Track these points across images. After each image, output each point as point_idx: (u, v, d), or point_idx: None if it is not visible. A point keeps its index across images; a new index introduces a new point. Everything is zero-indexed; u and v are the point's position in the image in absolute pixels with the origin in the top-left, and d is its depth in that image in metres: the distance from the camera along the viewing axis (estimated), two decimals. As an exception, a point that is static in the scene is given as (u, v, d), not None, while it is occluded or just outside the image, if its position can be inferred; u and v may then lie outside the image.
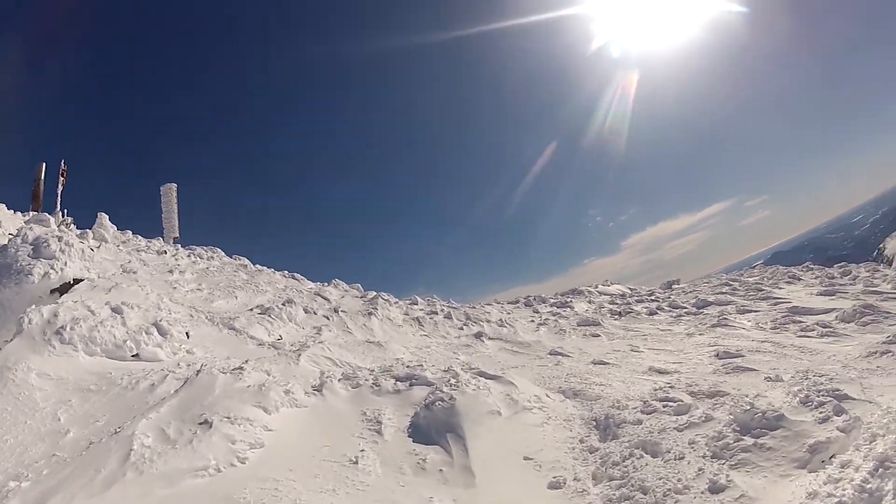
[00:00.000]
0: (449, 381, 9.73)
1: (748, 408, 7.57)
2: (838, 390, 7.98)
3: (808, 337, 14.16)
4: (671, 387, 10.03)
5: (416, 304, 20.47)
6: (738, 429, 7.33)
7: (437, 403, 8.78)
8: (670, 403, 8.74)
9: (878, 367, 10.50)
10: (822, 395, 7.69)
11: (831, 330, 14.36)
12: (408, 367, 11.08)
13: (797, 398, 7.77)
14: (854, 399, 7.73)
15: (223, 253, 25.76)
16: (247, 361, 10.15)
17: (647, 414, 8.61)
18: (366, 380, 10.31)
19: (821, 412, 7.19)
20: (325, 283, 23.33)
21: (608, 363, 12.79)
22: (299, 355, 12.08)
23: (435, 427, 8.41)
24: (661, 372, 11.82)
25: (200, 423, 7.48)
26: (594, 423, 8.76)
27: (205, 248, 25.92)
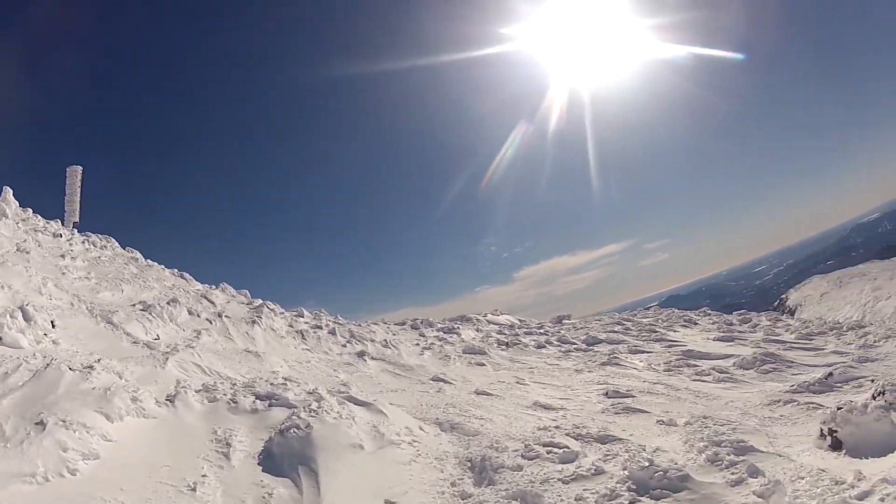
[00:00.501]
0: (311, 404, 10.01)
1: (646, 464, 7.70)
2: (743, 441, 8.48)
3: (703, 381, 15.68)
4: (556, 426, 10.55)
5: (302, 317, 22.73)
6: (635, 487, 7.44)
7: (292, 430, 9.10)
8: (555, 449, 9.16)
9: (780, 415, 11.77)
10: (726, 447, 8.18)
11: (728, 376, 16.03)
12: (272, 384, 11.53)
13: (703, 455, 8.14)
14: (762, 451, 8.21)
15: (117, 243, 28.83)
16: (98, 360, 10.56)
17: (529, 459, 9.00)
18: (224, 394, 10.83)
19: (732, 472, 7.44)
20: (213, 286, 25.97)
21: (491, 394, 13.90)
22: (167, 359, 12.91)
23: (288, 457, 8.65)
24: (546, 407, 12.59)
25: (36, 424, 7.82)
26: (469, 463, 9.19)
27: (100, 236, 28.89)
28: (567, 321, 30.03)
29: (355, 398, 11.12)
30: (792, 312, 52.76)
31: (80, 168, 35.47)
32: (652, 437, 10.21)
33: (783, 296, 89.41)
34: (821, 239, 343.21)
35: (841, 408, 8.81)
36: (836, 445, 8.63)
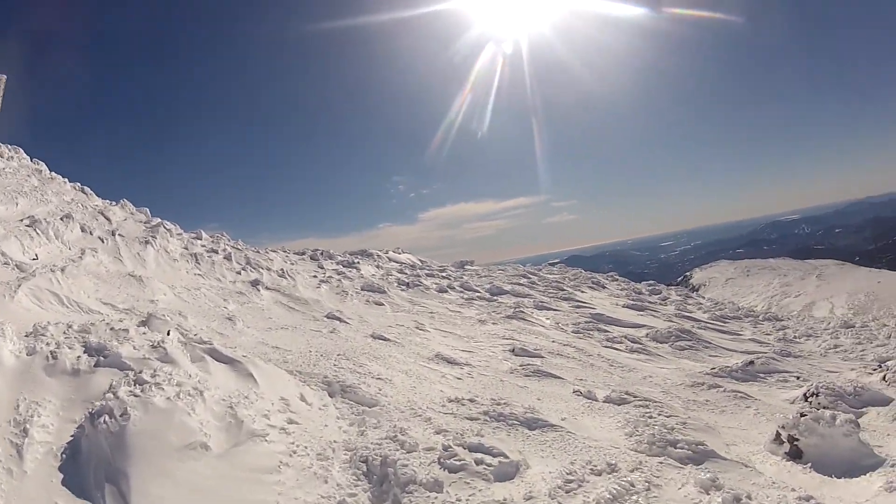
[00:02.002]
0: (148, 366, 7.98)
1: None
2: (702, 445, 8.03)
3: (616, 349, 15.90)
4: (471, 399, 9.42)
5: (200, 240, 22.88)
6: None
7: (104, 419, 6.74)
8: (487, 457, 7.32)
9: (706, 400, 11.76)
10: (682, 448, 7.90)
11: (642, 347, 16.35)
12: (112, 329, 9.54)
13: (660, 461, 7.70)
14: (724, 458, 7.87)
15: (24, 153, 28.24)
16: None
17: (451, 471, 7.12)
18: (48, 343, 8.71)
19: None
20: (114, 202, 25.67)
21: (389, 339, 13.50)
22: (19, 286, 11.45)
23: (95, 464, 6.41)
24: (450, 361, 12.14)
25: None
26: (365, 466, 7.05)
27: (8, 147, 28.19)
28: (470, 267, 30.92)
29: (219, 352, 9.10)
30: (695, 290, 55.45)
31: (3, 77, 33.52)
32: (585, 422, 9.47)
33: (688, 273, 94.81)
34: (733, 227, 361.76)
35: (805, 415, 8.73)
36: (796, 455, 8.44)
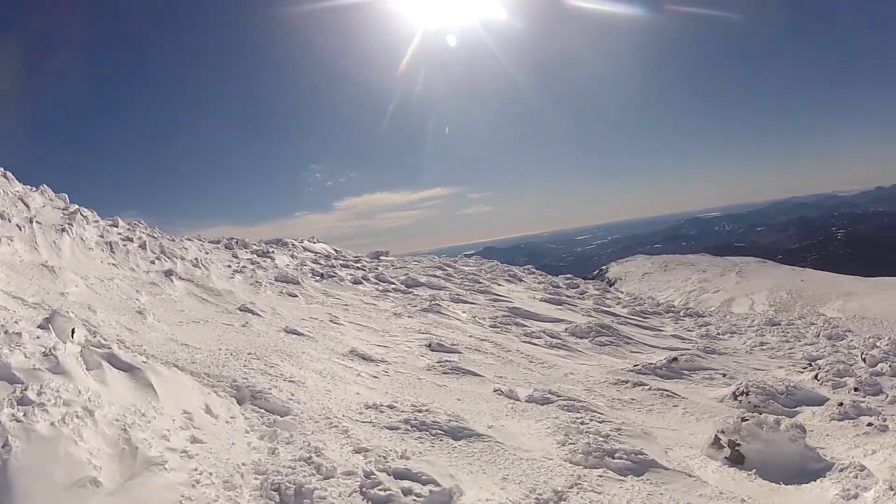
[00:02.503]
0: (39, 381, 6.64)
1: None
2: (642, 454, 7.72)
3: (535, 344, 15.84)
4: (390, 405, 8.68)
5: (116, 227, 21.95)
6: None
7: None
8: (416, 487, 6.58)
9: (631, 399, 11.66)
10: (622, 459, 7.58)
11: (561, 342, 16.34)
12: (5, 331, 7.84)
13: (599, 474, 7.30)
14: (665, 468, 7.63)
15: None
16: None
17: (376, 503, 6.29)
18: None
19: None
20: (34, 188, 24.11)
21: (303, 334, 13.13)
22: None
23: None
24: (365, 358, 11.79)
25: None
26: (277, 496, 6.25)
27: None
28: (385, 258, 30.75)
29: (118, 357, 7.95)
30: (611, 284, 56.40)
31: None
32: (512, 428, 8.85)
33: (604, 267, 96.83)
34: (652, 223, 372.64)
35: (746, 419, 8.49)
36: (738, 460, 8.22)
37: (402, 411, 8.48)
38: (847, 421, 10.74)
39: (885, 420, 10.39)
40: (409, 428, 7.98)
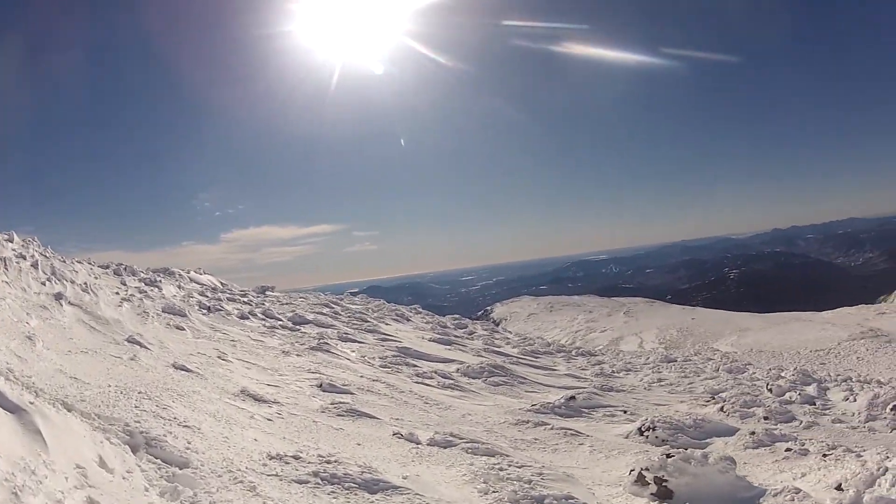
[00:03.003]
0: None
1: None
2: (571, 497, 7.58)
3: (427, 385, 15.71)
4: (295, 456, 8.00)
5: (11, 242, 20.80)
6: None
7: None
8: None
9: (534, 439, 11.57)
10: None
11: (454, 382, 16.27)
12: None
13: None
14: None
15: None
16: None
17: None
18: None
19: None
20: None
21: (192, 371, 12.57)
22: None
23: None
24: (257, 399, 11.34)
25: None
26: None
27: None
28: (271, 293, 30.73)
29: (4, 396, 6.64)
30: (497, 324, 56.95)
31: None
32: (427, 477, 8.38)
33: (489, 307, 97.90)
34: (539, 265, 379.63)
35: (671, 455, 8.40)
36: (665, 495, 8.10)
37: (309, 462, 7.82)
38: (763, 448, 10.99)
39: (803, 444, 10.69)
40: (320, 481, 7.36)
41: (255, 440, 8.56)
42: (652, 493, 8.12)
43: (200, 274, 30.86)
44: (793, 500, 7.50)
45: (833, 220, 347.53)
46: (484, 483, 7.99)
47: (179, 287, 25.71)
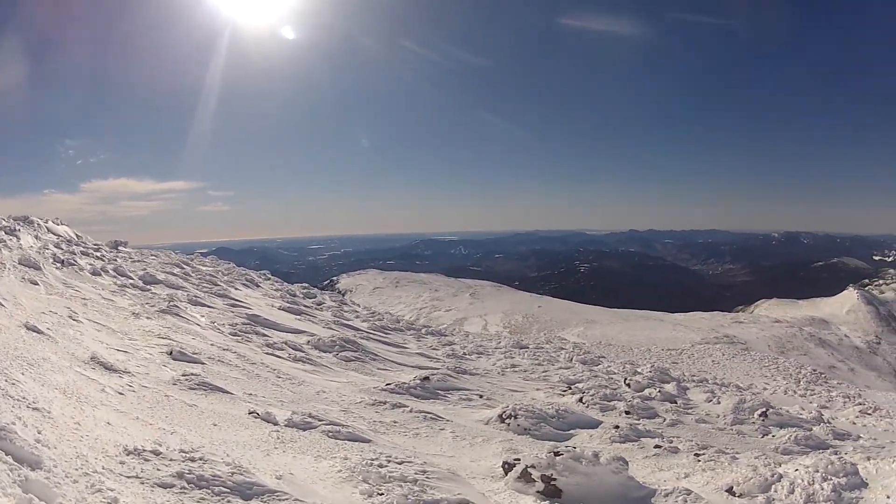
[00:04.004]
0: None
1: None
2: (467, 501, 7.02)
3: (279, 357, 15.17)
4: (156, 451, 6.87)
5: None
6: None
7: None
8: None
9: (393, 421, 11.23)
10: None
11: (305, 355, 15.84)
12: None
13: None
14: None
15: None
16: None
17: None
18: None
19: None
20: None
21: (43, 332, 11.33)
22: None
23: None
24: (108, 368, 10.40)
25: None
26: None
27: None
28: (124, 248, 29.78)
29: None
30: (342, 294, 56.85)
31: None
32: (300, 473, 7.57)
33: (335, 277, 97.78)
34: (387, 240, 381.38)
35: (559, 453, 8.06)
36: (553, 493, 7.79)
37: (171, 459, 6.71)
38: (630, 443, 11.15)
39: (671, 441, 10.98)
40: (186, 485, 6.30)
41: (108, 423, 7.50)
42: (538, 491, 7.81)
43: (58, 224, 29.37)
44: (685, 501, 7.44)
45: (694, 229, 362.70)
46: (365, 483, 7.15)
47: (37, 237, 24.31)
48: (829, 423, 15.55)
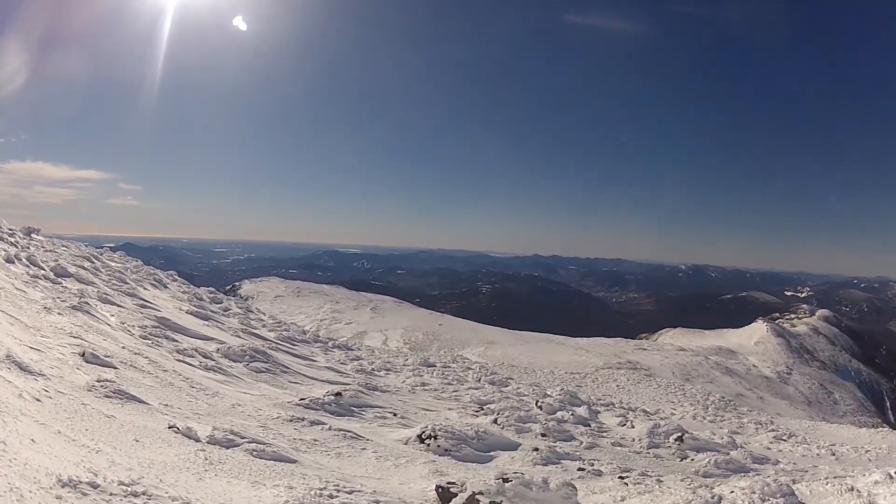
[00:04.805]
0: None
1: None
2: None
3: (190, 365, 14.54)
4: (93, 485, 6.04)
5: None
6: None
7: None
8: None
9: (314, 440, 10.86)
10: None
11: (216, 364, 15.26)
12: None
13: None
14: None
15: None
16: None
17: None
18: None
19: None
20: None
21: None
22: None
23: None
24: (23, 368, 9.63)
25: None
26: None
27: None
28: (36, 235, 28.52)
29: None
30: (244, 300, 56.09)
31: None
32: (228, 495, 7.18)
33: (237, 283, 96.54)
34: (291, 249, 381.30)
35: (508, 479, 7.85)
36: None
37: (112, 493, 5.98)
38: (552, 465, 11.15)
39: (593, 464, 11.09)
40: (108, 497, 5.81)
41: (33, 441, 6.69)
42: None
43: None
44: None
45: (599, 258, 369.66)
46: (280, 492, 6.91)
47: None
48: (744, 447, 15.88)
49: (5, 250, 19.86)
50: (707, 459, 13.05)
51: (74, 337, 13.07)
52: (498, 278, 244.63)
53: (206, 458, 8.14)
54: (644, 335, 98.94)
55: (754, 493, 7.43)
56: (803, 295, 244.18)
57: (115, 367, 11.98)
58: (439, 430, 11.84)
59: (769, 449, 18.18)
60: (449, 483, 8.21)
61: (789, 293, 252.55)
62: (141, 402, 10.24)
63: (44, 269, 19.93)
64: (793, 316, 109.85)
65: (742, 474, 11.21)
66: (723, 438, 16.27)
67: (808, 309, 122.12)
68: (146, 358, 13.67)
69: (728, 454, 13.78)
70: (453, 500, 7.67)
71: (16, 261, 19.41)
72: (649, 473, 10.45)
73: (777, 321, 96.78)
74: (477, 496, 7.59)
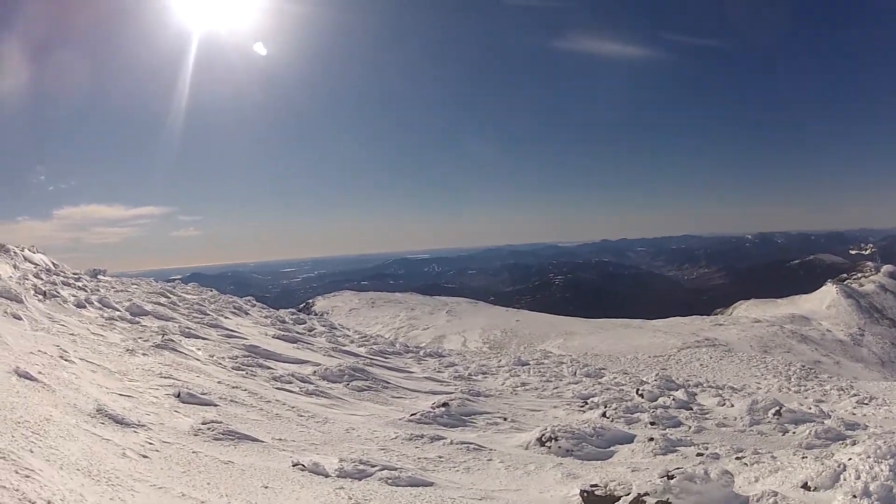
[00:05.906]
0: None
1: None
2: None
3: (290, 392, 13.90)
4: None
5: None
6: None
7: None
8: None
9: (439, 456, 10.33)
10: None
11: (316, 388, 14.55)
12: None
13: None
14: None
15: None
16: None
17: None
18: None
19: None
20: None
21: (36, 379, 9.59)
22: None
23: None
24: (118, 421, 8.91)
25: None
26: None
27: None
28: (103, 277, 28.36)
29: None
30: (321, 315, 56.23)
31: None
32: None
33: (311, 300, 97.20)
34: (360, 261, 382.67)
35: (672, 476, 7.51)
36: None
37: None
38: (671, 454, 10.94)
39: (706, 448, 11.15)
40: None
41: None
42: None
43: (34, 252, 27.67)
44: (777, 503, 7.12)
45: (667, 236, 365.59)
46: None
47: (15, 267, 22.53)
48: (833, 415, 15.58)
49: (74, 295, 19.49)
50: (807, 431, 12.60)
51: (165, 377, 12.63)
52: (569, 268, 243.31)
53: (350, 497, 7.48)
54: (719, 310, 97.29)
55: (869, 456, 7.05)
56: (867, 252, 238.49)
57: (216, 405, 11.46)
58: (559, 431, 11.29)
59: (854, 414, 17.99)
60: (592, 486, 7.76)
61: (853, 252, 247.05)
62: (254, 440, 9.61)
63: (119, 310, 19.56)
64: (859, 275, 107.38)
65: (840, 442, 10.71)
66: (811, 408, 15.66)
67: (873, 266, 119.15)
68: (245, 390, 13.13)
69: (823, 423, 13.29)
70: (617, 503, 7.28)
71: (87, 304, 19.03)
72: (760, 451, 9.93)
73: (845, 282, 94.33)
74: (643, 497, 7.17)
